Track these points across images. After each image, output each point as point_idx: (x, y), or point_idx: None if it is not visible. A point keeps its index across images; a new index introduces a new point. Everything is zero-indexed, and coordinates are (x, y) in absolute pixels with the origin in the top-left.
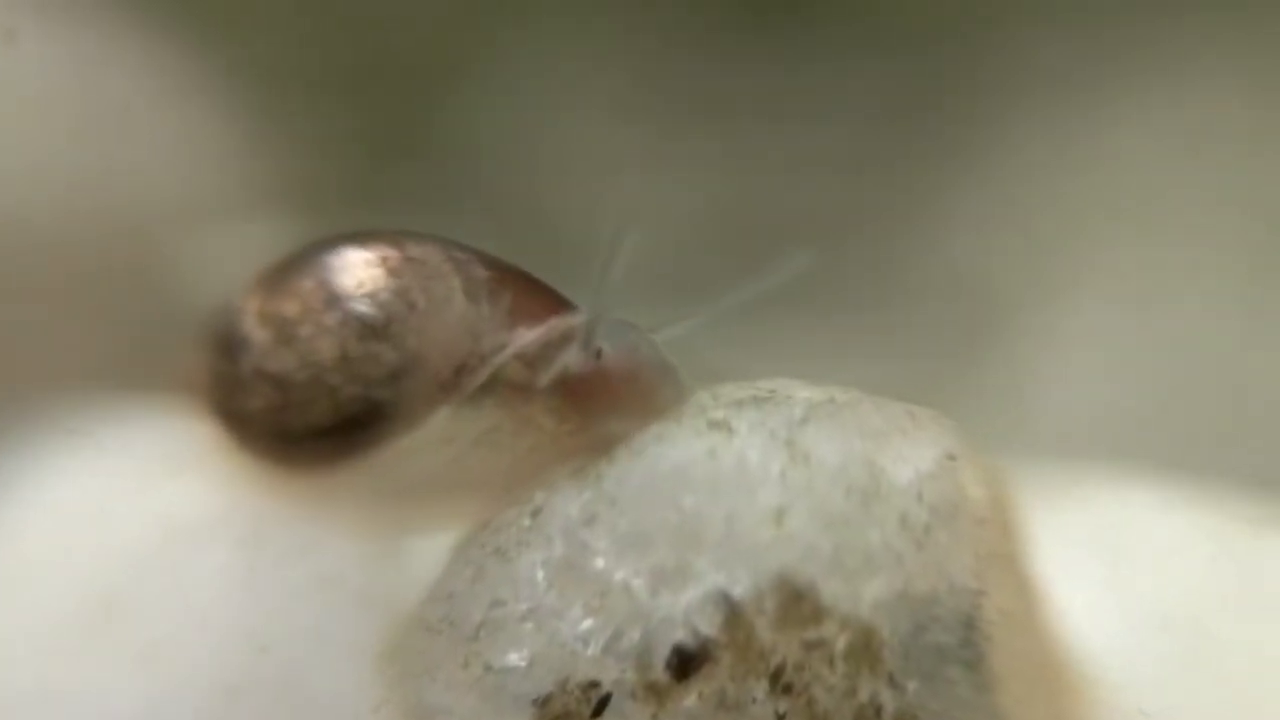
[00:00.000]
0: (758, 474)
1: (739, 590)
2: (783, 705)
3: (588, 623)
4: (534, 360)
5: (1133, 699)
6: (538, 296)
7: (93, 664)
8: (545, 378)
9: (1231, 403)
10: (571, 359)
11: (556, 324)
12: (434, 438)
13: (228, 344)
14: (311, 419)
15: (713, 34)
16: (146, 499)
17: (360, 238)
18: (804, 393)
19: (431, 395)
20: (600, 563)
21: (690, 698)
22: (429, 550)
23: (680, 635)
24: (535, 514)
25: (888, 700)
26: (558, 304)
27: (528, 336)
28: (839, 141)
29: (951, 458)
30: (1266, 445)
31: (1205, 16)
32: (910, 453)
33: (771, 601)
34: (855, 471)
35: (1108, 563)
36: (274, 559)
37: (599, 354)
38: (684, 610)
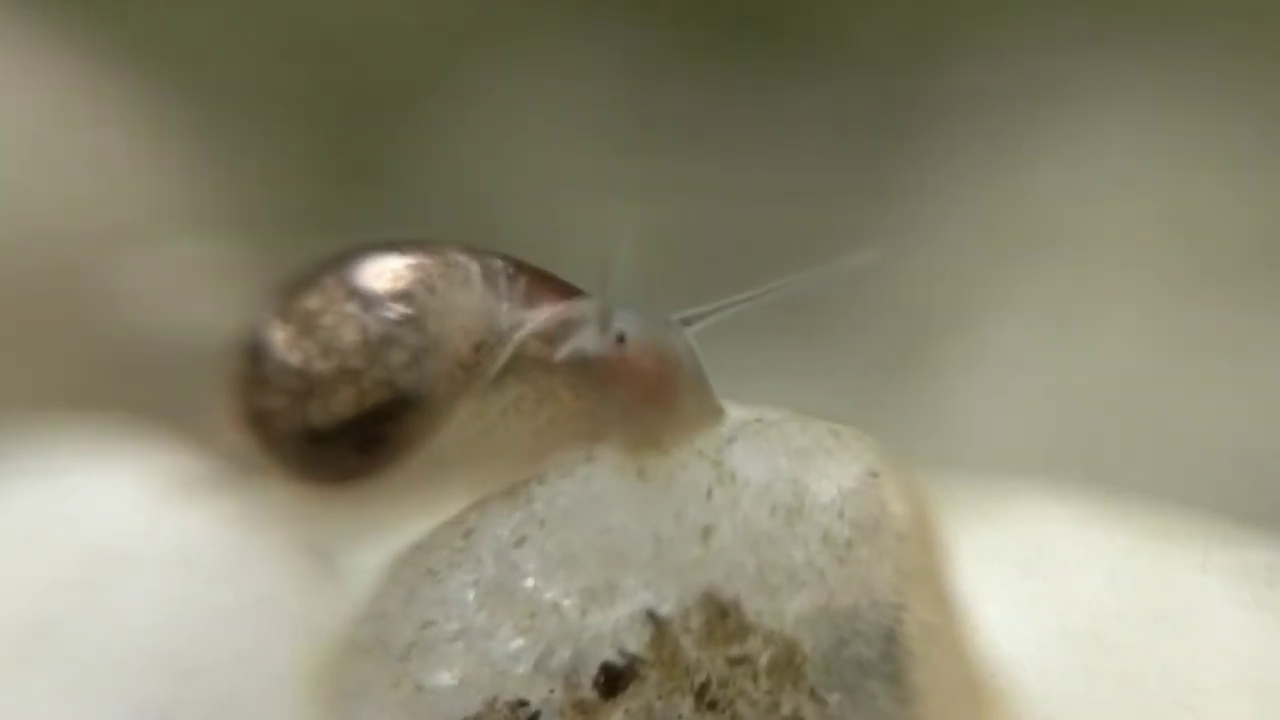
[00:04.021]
0: (686, 493)
1: (666, 608)
2: None
3: (518, 642)
4: (553, 338)
5: (1044, 710)
6: (552, 284)
7: (18, 694)
8: (559, 354)
9: (1135, 421)
10: (589, 341)
11: (573, 304)
12: (462, 418)
13: (251, 348)
14: (335, 408)
15: (666, 70)
16: (71, 524)
17: (377, 244)
18: (733, 412)
19: (454, 377)
20: (530, 583)
21: (617, 715)
22: (360, 571)
23: (608, 653)
24: (467, 535)
25: (810, 714)
26: (572, 290)
27: (545, 313)
28: (778, 170)
29: (874, 475)
30: (1167, 461)
31: (1128, 53)
32: (834, 471)
33: (697, 619)
34: (780, 490)
35: (1020, 577)
36: (203, 583)
37: (622, 338)
38: (612, 629)
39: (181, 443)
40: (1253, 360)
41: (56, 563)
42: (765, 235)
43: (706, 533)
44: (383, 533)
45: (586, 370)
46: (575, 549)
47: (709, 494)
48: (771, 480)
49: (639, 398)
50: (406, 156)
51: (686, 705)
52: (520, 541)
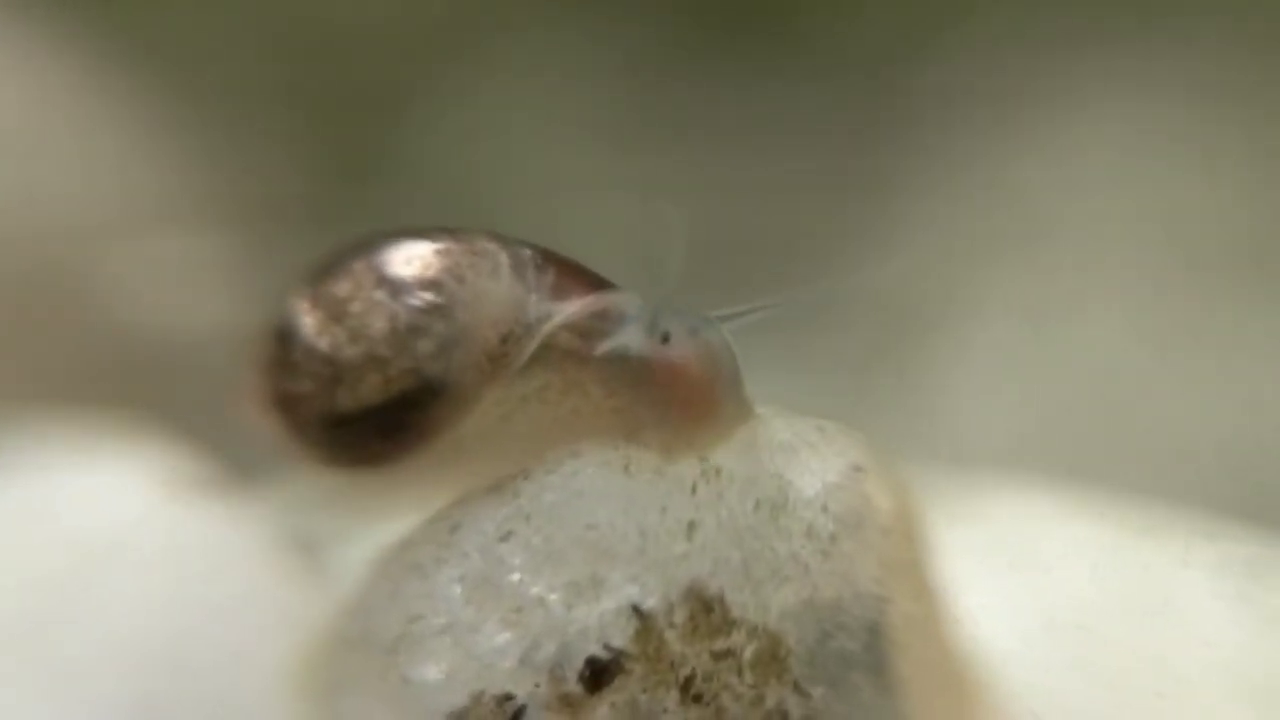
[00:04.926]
0: (671, 488)
1: (650, 603)
2: (693, 714)
3: (504, 636)
4: (585, 331)
5: (1026, 701)
6: (581, 276)
7: (8, 688)
8: (601, 348)
9: (1118, 417)
10: (633, 340)
11: (603, 296)
12: (486, 405)
13: (279, 332)
14: (362, 395)
15: (663, 68)
16: (62, 520)
17: (407, 230)
18: None
19: (481, 367)
20: (516, 578)
21: (603, 708)
22: (347, 566)
23: (593, 648)
24: (453, 530)
25: (794, 707)
26: (601, 283)
27: (575, 305)
28: (772, 168)
29: (858, 469)
30: (1150, 456)
31: (1109, 50)
32: (818, 466)
33: (682, 613)
34: (764, 485)
35: (1005, 571)
36: (192, 578)
37: (665, 339)
38: (598, 623)
39: (173, 439)
40: (1234, 356)
41: (47, 558)
42: (759, 232)
43: (691, 527)
44: (399, 516)
45: (625, 368)
46: (561, 544)
47: (694, 489)
48: (756, 475)
49: (678, 400)
50: (404, 154)
51: (671, 699)
52: (506, 536)
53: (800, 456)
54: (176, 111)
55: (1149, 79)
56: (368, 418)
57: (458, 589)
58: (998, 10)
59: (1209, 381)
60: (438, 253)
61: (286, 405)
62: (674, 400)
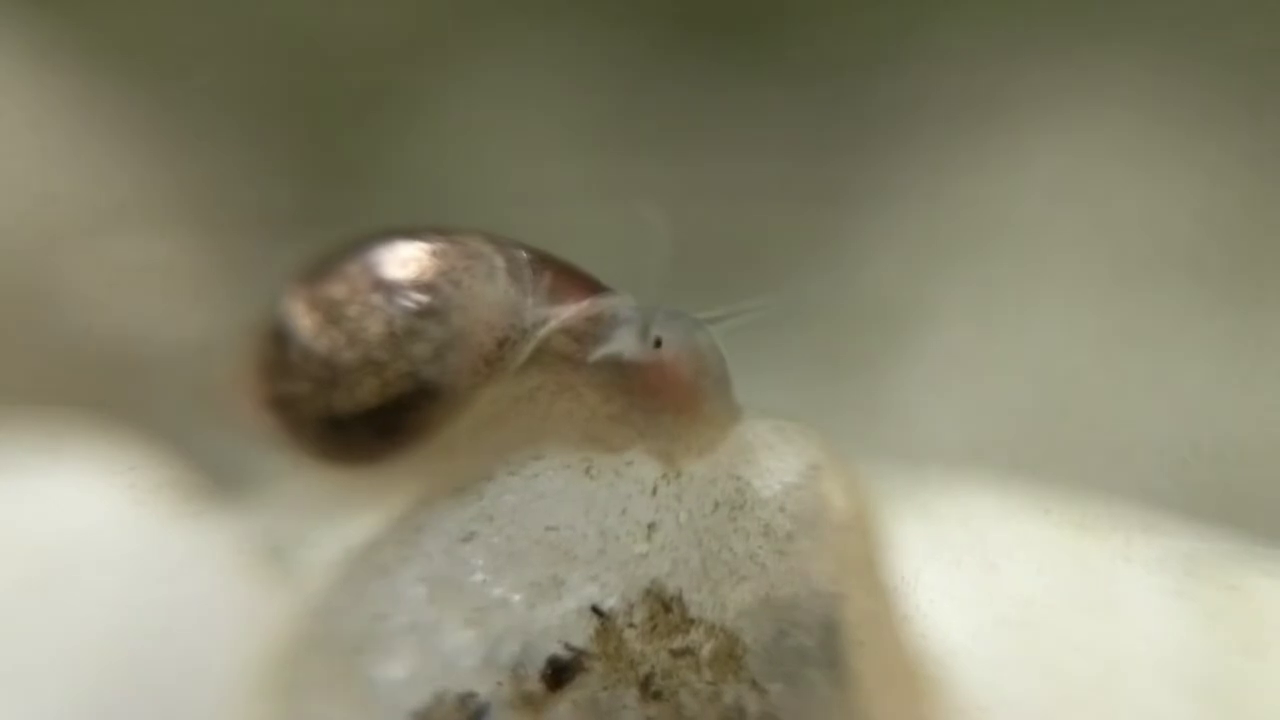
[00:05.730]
0: (631, 489)
1: (611, 602)
2: (652, 711)
3: (467, 636)
4: (581, 335)
5: (973, 696)
6: (576, 278)
7: None
8: (595, 354)
9: (1063, 418)
10: (627, 346)
11: (598, 300)
12: (479, 404)
13: (276, 332)
14: (359, 397)
15: (649, 71)
16: (25, 523)
17: (402, 230)
18: None
19: (476, 370)
20: (479, 578)
21: (564, 706)
22: (311, 566)
23: (554, 647)
24: (417, 531)
25: (750, 703)
26: (596, 286)
27: (570, 310)
28: (747, 174)
29: (815, 468)
30: (1092, 456)
31: (1076, 65)
32: (775, 466)
33: (641, 613)
34: (723, 485)
35: (955, 568)
36: (155, 581)
37: (658, 344)
38: (559, 622)
39: (139, 442)
40: (1172, 358)
41: (9, 561)
42: (732, 237)
43: (651, 529)
44: (385, 512)
45: (619, 373)
46: (523, 545)
47: (654, 490)
48: (715, 476)
49: (671, 406)
50: (385, 158)
51: (631, 696)
52: (469, 537)
53: (758, 457)
54: (157, 115)
55: (1096, 91)
56: (364, 419)
57: (421, 589)
58: (962, 23)
59: (1149, 383)
60: (433, 255)
61: (282, 405)
62: (664, 405)
